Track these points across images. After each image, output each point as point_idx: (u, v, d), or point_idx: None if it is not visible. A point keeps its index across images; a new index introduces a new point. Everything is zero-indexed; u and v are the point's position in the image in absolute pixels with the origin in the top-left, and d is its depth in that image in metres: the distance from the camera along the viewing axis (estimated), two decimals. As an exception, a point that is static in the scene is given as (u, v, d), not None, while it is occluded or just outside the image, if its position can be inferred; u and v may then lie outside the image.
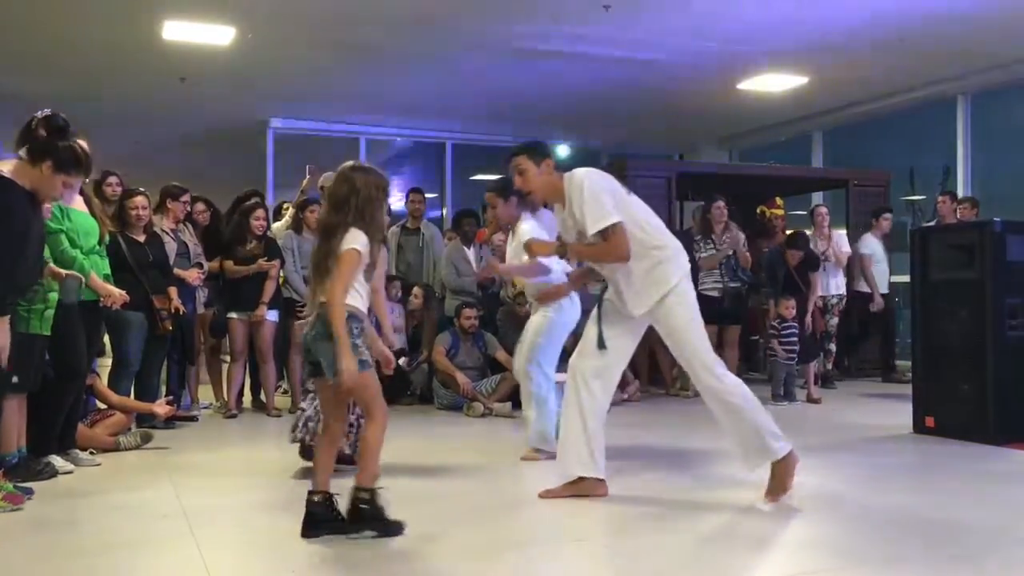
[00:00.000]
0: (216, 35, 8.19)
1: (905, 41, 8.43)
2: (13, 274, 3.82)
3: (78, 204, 4.80)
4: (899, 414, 6.29)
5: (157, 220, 6.59)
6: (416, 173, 13.71)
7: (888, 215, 9.14)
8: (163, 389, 6.58)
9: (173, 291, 6.22)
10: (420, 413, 7.25)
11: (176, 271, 6.49)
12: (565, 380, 4.13)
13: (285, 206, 8.31)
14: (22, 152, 3.96)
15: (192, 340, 6.93)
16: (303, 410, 4.54)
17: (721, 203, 8.05)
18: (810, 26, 8.09)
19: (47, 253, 4.36)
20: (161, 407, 5.82)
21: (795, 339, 7.56)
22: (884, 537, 3.41)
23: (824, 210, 8.90)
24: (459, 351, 7.41)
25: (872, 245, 8.98)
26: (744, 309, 8.30)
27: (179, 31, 8.04)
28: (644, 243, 3.86)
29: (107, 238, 5.01)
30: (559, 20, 7.92)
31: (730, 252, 7.97)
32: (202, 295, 7.10)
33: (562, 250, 3.99)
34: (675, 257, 3.90)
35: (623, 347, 4.05)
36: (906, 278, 6.55)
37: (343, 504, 3.34)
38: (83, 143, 4.77)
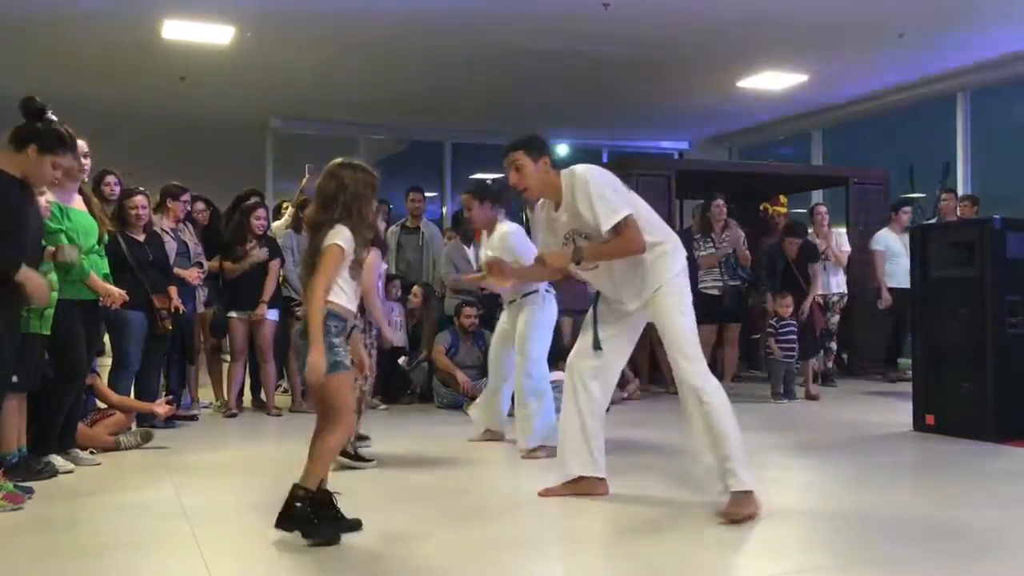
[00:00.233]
0: (216, 34, 8.19)
1: (905, 38, 8.43)
2: (15, 235, 3.80)
3: (77, 204, 4.80)
4: (899, 412, 6.29)
5: (157, 220, 6.59)
6: (415, 172, 13.71)
7: (907, 208, 8.91)
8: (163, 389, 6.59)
9: (173, 290, 6.22)
10: (420, 412, 7.25)
11: (176, 270, 6.49)
12: (563, 379, 4.13)
13: (284, 205, 8.31)
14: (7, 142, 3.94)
15: (192, 340, 6.93)
16: None
17: (720, 201, 8.04)
18: (810, 23, 8.09)
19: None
20: (161, 407, 5.82)
21: (793, 337, 7.55)
22: (884, 535, 3.41)
23: (823, 208, 8.87)
24: (459, 350, 7.41)
25: (888, 240, 8.90)
26: (744, 307, 8.30)
27: (179, 30, 8.04)
28: (647, 236, 3.79)
29: (106, 238, 5.00)
30: (558, 18, 7.92)
31: (730, 251, 7.96)
32: (202, 294, 7.10)
33: (579, 255, 3.82)
34: (673, 252, 3.84)
35: (620, 347, 4.03)
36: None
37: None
38: (81, 142, 4.78)
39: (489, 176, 14.05)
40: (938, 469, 4.83)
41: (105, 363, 6.39)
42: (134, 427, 5.68)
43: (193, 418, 6.65)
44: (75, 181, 4.83)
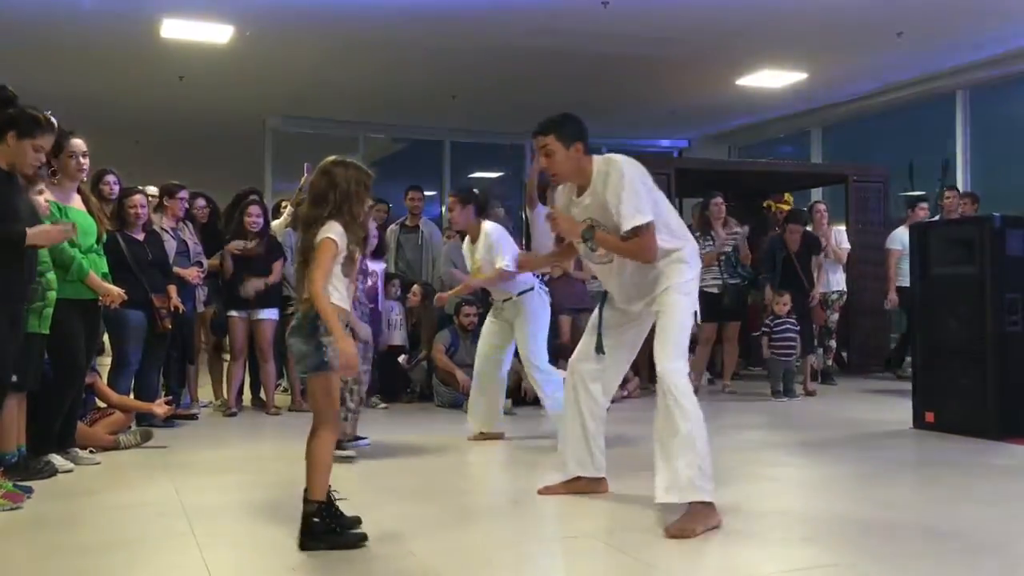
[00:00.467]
0: (214, 33, 8.19)
1: (904, 36, 8.43)
2: (4, 218, 3.79)
3: (76, 203, 4.79)
4: (899, 409, 6.29)
5: (157, 219, 6.59)
6: (415, 171, 13.71)
7: (924, 204, 8.59)
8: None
9: (172, 290, 6.22)
10: (420, 411, 7.25)
11: (175, 269, 6.48)
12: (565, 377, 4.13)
13: (283, 204, 8.30)
14: None
15: (191, 339, 6.92)
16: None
17: (719, 200, 8.04)
18: (809, 21, 8.08)
19: (46, 253, 4.35)
20: (160, 407, 5.81)
21: (790, 336, 7.54)
22: (884, 533, 3.41)
23: (823, 206, 8.87)
24: (459, 349, 7.41)
25: (905, 238, 8.80)
26: (744, 305, 8.30)
27: (177, 29, 8.04)
28: (665, 243, 3.66)
29: (104, 237, 5.00)
30: (558, 17, 7.91)
31: (728, 248, 7.95)
32: (201, 294, 7.09)
33: (589, 232, 3.67)
34: (689, 258, 3.70)
35: (624, 351, 3.96)
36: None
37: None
38: (79, 141, 4.77)
39: (488, 175, 14.10)
40: (938, 466, 4.83)
41: (104, 362, 6.39)
42: (134, 426, 5.68)
43: (193, 417, 6.65)
44: (74, 180, 4.83)
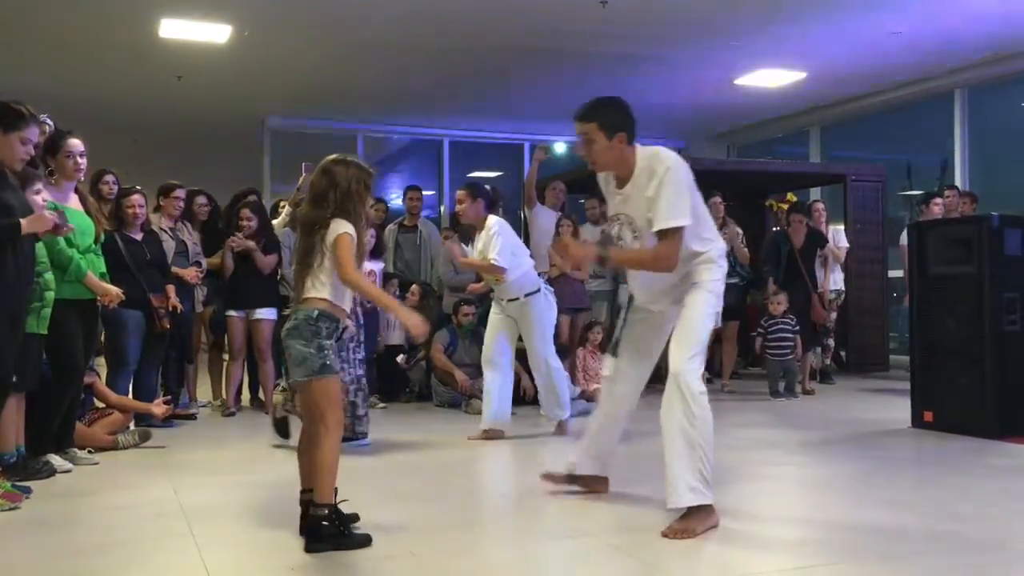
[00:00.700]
0: (213, 33, 8.18)
1: (902, 35, 8.43)
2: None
3: (73, 203, 4.79)
4: (897, 409, 6.30)
5: (155, 219, 6.58)
6: (413, 171, 13.72)
7: (939, 200, 8.18)
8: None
9: (171, 289, 6.22)
10: (419, 410, 7.25)
11: (174, 269, 6.49)
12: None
13: (281, 204, 8.30)
14: None
15: (190, 338, 6.92)
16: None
17: (718, 199, 8.03)
18: (807, 21, 8.09)
19: (44, 253, 4.35)
20: (159, 408, 5.81)
21: (787, 335, 7.53)
22: (882, 532, 3.40)
23: (821, 205, 8.88)
24: (457, 348, 7.41)
25: None
26: (743, 305, 8.31)
27: (176, 29, 8.03)
28: (696, 246, 3.54)
29: (102, 237, 5.00)
30: (556, 16, 7.91)
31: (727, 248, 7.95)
32: (200, 294, 7.09)
33: (605, 254, 3.57)
34: (717, 260, 3.62)
35: (647, 352, 3.83)
36: (903, 273, 6.56)
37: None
38: (77, 140, 4.77)
39: (487, 175, 14.10)
40: (936, 466, 4.83)
41: (102, 362, 6.38)
42: (132, 426, 5.68)
43: (191, 417, 6.65)
44: (71, 180, 4.83)
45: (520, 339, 5.86)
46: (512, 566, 3.12)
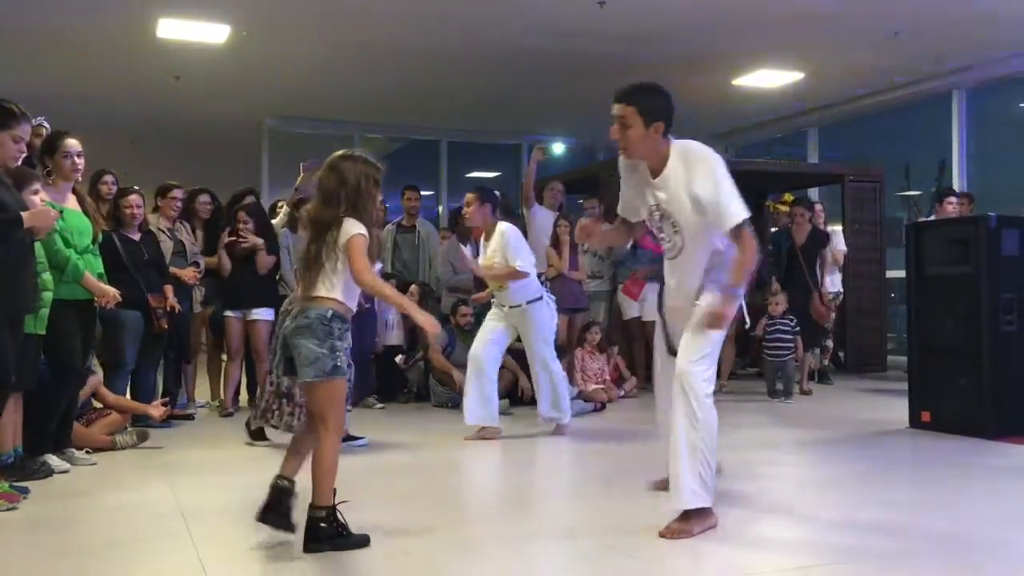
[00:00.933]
0: (211, 33, 8.17)
1: (901, 35, 8.44)
2: None
3: (71, 203, 4.79)
4: (895, 409, 6.30)
5: (153, 219, 6.58)
6: (411, 171, 13.72)
7: (953, 199, 7.95)
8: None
9: (169, 290, 6.22)
10: (417, 410, 7.25)
11: (172, 269, 6.48)
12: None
13: (280, 204, 8.30)
14: None
15: (188, 339, 6.92)
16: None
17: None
18: (806, 21, 8.09)
19: (42, 254, 4.35)
20: (156, 409, 5.80)
21: (785, 336, 7.52)
22: (880, 532, 3.41)
23: (819, 207, 8.88)
24: (455, 349, 7.41)
25: None
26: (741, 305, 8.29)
27: (173, 29, 8.02)
28: (721, 244, 3.51)
29: (100, 237, 4.99)
30: (554, 17, 7.91)
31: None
32: (199, 294, 7.09)
33: (735, 288, 3.46)
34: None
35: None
36: (901, 273, 6.56)
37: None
38: (74, 141, 4.76)
39: (485, 175, 14.10)
40: (934, 466, 4.83)
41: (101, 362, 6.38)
42: (130, 427, 5.67)
43: (189, 417, 6.64)
44: (68, 180, 4.82)
45: (519, 340, 5.87)
46: (510, 566, 3.12)
